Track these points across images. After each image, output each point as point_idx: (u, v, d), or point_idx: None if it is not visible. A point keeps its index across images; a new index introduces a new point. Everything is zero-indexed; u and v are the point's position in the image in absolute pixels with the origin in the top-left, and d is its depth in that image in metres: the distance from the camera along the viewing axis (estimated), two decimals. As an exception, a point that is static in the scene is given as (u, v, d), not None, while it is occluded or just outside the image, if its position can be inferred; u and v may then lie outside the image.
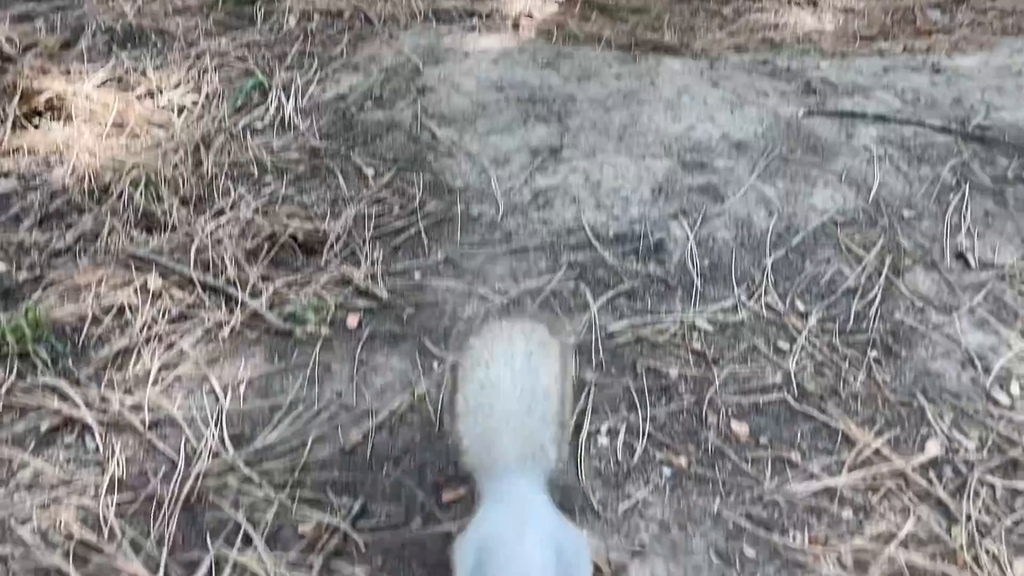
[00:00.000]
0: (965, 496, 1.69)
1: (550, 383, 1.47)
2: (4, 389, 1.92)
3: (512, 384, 1.46)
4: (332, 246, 2.32)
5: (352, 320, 2.10)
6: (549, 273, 2.25)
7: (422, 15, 3.64)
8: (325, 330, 2.07)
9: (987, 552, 1.59)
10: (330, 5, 3.68)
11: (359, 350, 2.03)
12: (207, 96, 3.02)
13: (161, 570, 1.58)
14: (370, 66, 3.19)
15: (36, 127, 2.82)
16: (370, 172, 2.60)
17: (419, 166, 2.64)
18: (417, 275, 2.25)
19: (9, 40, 3.27)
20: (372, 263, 2.25)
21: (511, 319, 1.97)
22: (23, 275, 2.25)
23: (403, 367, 1.99)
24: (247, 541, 1.64)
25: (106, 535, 1.65)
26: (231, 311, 2.12)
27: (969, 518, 1.64)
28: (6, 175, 2.63)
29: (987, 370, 1.95)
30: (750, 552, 1.61)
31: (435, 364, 1.99)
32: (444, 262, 2.28)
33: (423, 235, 2.37)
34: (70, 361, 2.00)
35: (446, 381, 1.68)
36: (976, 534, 1.62)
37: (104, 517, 1.67)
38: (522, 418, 1.44)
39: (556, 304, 2.14)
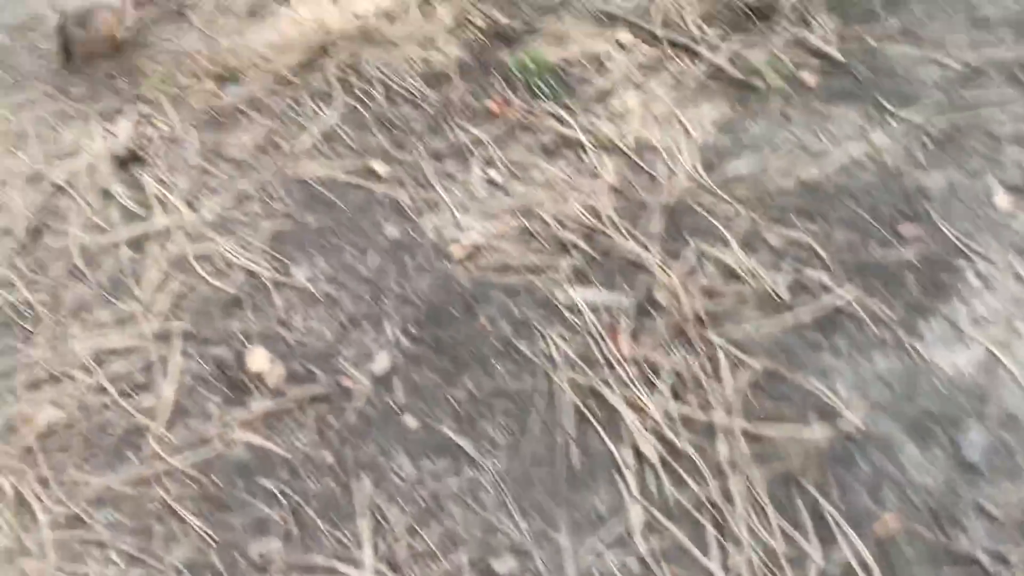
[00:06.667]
0: None
1: None
2: (520, 112, 2.46)
3: None
4: (784, 13, 2.65)
5: (808, 78, 2.42)
6: (1016, 45, 2.43)
7: None
8: (783, 85, 2.41)
9: None
10: None
11: (816, 103, 2.35)
12: None
13: (654, 253, 1.99)
14: None
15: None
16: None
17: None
18: (872, 41, 2.50)
19: None
20: (825, 29, 2.55)
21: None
22: (518, 24, 2.80)
23: (858, 120, 2.27)
24: (724, 243, 2.01)
25: (606, 224, 2.08)
26: (694, 63, 2.53)
27: None
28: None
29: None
30: None
31: (891, 119, 2.25)
32: (901, 31, 2.52)
33: (876, 5, 2.62)
34: (563, 95, 2.50)
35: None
36: None
37: (602, 212, 2.12)
38: None
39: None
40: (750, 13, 2.66)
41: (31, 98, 2.78)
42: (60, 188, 2.41)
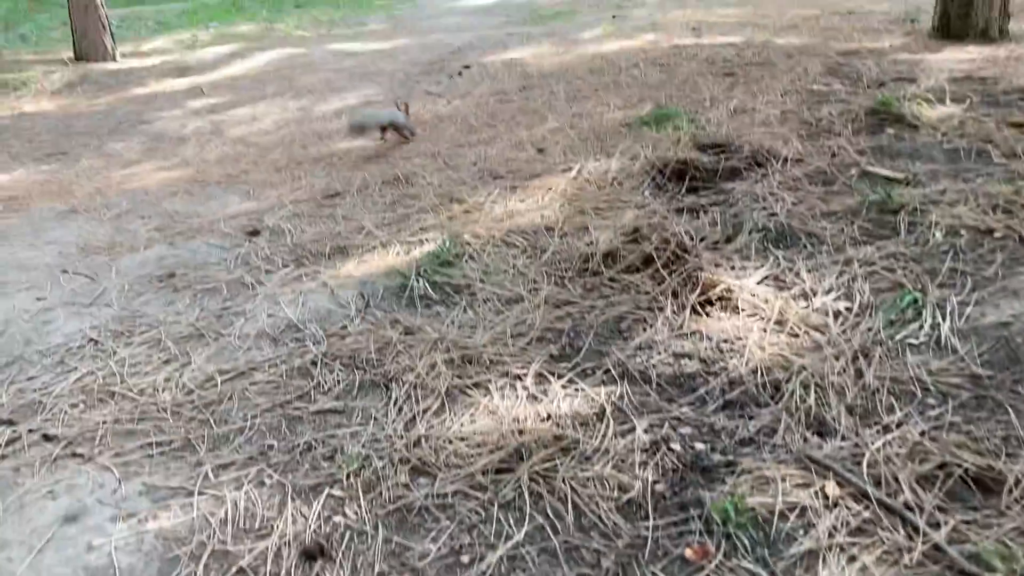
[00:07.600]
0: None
1: None
2: (713, 564, 2.21)
3: None
4: (1011, 490, 2.35)
5: (1052, 591, 2.07)
6: None
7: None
8: (1016, 585, 2.06)
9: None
10: (979, 222, 3.81)
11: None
12: (860, 304, 3.33)
13: None
14: (1033, 293, 3.24)
15: (707, 315, 3.36)
16: (1047, 414, 2.60)
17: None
18: None
19: (687, 233, 3.96)
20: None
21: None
22: (716, 457, 2.61)
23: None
24: None
25: None
26: (910, 537, 2.24)
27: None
28: (689, 356, 3.13)
29: None
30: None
31: None
32: None
33: None
34: (765, 550, 2.24)
35: None
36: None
37: None
38: None
39: None
40: (971, 483, 2.45)
41: (231, 458, 2.90)
42: (242, 572, 2.40)
